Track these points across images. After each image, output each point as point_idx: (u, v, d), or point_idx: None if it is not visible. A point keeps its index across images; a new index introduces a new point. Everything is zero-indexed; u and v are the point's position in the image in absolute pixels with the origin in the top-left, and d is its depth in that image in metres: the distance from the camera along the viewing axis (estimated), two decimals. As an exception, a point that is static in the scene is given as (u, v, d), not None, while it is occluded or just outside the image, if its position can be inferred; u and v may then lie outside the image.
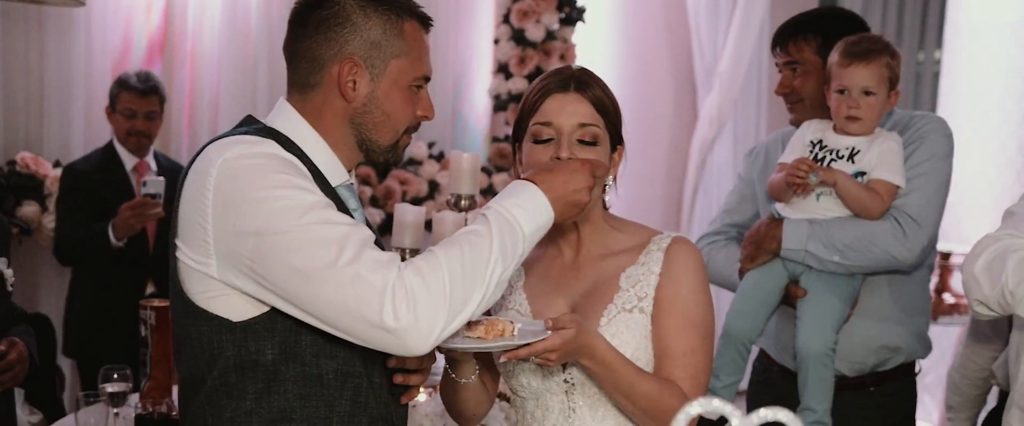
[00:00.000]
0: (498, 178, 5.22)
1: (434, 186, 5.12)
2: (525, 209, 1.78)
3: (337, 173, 1.88)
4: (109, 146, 4.18)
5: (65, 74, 4.57)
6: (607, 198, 2.03)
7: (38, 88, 4.57)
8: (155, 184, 3.90)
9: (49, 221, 4.41)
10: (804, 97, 2.88)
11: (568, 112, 1.95)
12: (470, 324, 1.79)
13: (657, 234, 2.03)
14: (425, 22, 1.91)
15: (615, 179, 2.04)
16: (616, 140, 2.00)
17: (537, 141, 1.96)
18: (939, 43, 6.53)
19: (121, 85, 4.16)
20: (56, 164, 4.51)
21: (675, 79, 6.09)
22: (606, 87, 1.99)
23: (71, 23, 4.53)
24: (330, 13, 1.83)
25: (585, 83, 1.96)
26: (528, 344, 1.78)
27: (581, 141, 1.94)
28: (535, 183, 1.81)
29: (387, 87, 1.85)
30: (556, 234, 2.04)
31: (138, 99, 4.13)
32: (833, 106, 2.77)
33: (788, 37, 2.92)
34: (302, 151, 1.83)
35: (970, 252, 2.26)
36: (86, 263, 4.08)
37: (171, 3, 4.77)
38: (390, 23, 1.84)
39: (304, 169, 1.76)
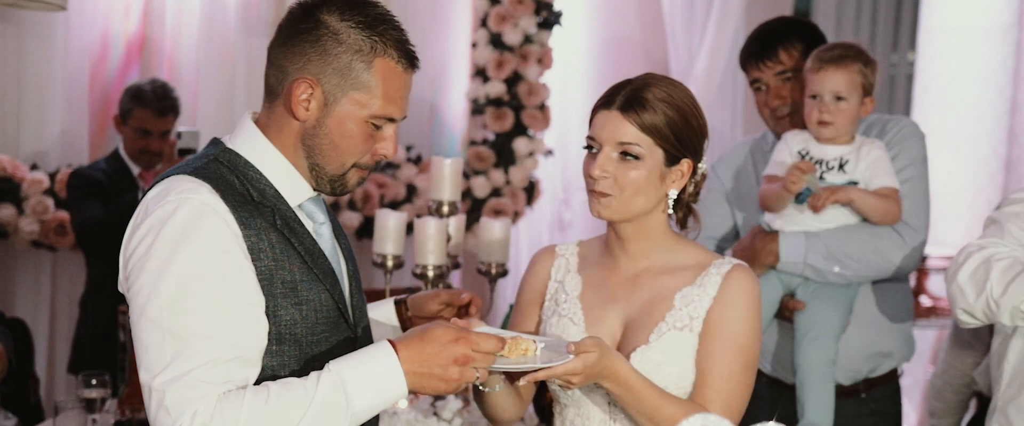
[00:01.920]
0: (476, 181, 5.22)
1: (412, 190, 5.12)
2: (368, 382, 1.70)
3: (299, 190, 1.87)
4: (115, 155, 4.09)
5: (43, 76, 4.54)
6: (668, 210, 2.04)
7: (15, 90, 4.53)
8: (190, 137, 3.68)
9: (26, 224, 4.38)
10: (798, 107, 2.85)
11: (608, 130, 1.99)
12: None
13: (719, 258, 2.06)
14: (406, 62, 1.85)
15: (685, 195, 2.06)
16: (677, 155, 2.00)
17: (586, 147, 2.03)
18: (912, 45, 6.58)
19: (135, 99, 4.00)
20: (33, 167, 4.48)
21: (652, 82, 6.09)
22: (667, 103, 1.98)
23: (49, 25, 4.50)
24: (307, 28, 1.80)
25: (633, 102, 1.97)
26: (549, 367, 1.80)
27: (623, 155, 1.97)
28: (398, 352, 1.72)
29: (339, 117, 1.82)
30: (616, 245, 2.07)
31: (154, 119, 3.97)
32: (806, 111, 2.78)
33: (776, 44, 2.90)
34: (259, 171, 1.83)
35: (954, 261, 2.28)
36: (114, 245, 3.88)
37: (150, 5, 4.74)
38: (361, 55, 1.80)
39: (228, 219, 1.73)
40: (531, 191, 5.38)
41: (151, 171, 4.04)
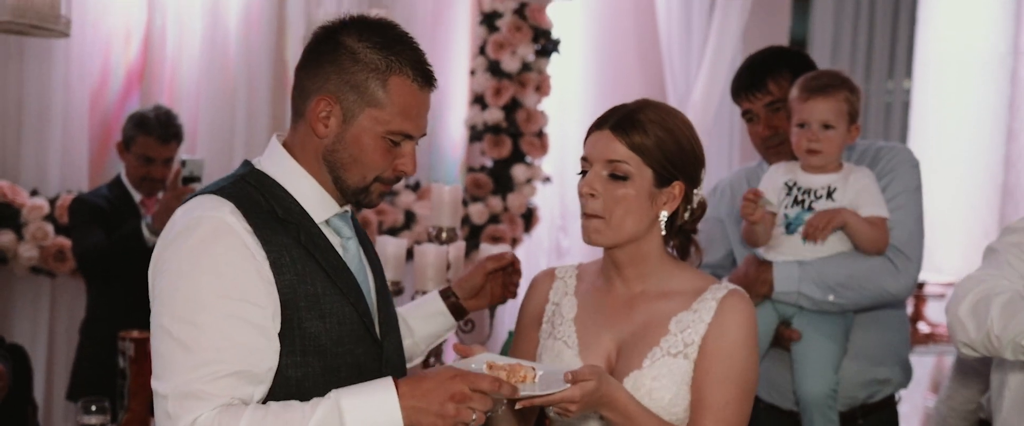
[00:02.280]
0: (474, 208, 5.24)
1: (410, 216, 5.14)
2: (365, 410, 1.74)
3: (325, 206, 1.94)
4: (117, 181, 4.07)
5: (44, 103, 4.55)
6: (662, 232, 2.04)
7: (16, 117, 4.55)
8: (194, 165, 3.69)
9: (26, 250, 4.39)
10: (788, 137, 2.87)
11: (599, 149, 2.01)
12: (491, 366, 1.83)
13: (715, 283, 2.05)
14: (422, 81, 1.92)
15: (680, 220, 2.07)
16: (668, 177, 2.01)
17: (580, 172, 2.05)
18: (908, 73, 6.62)
19: (139, 127, 3.99)
20: (33, 192, 4.49)
21: (649, 109, 6.12)
22: (658, 125, 2.00)
23: (50, 52, 4.52)
24: (327, 49, 1.90)
25: (624, 122, 2.00)
26: (546, 394, 1.80)
27: (611, 176, 1.99)
28: (398, 386, 1.76)
29: (357, 133, 1.89)
30: (612, 269, 2.09)
31: (157, 146, 3.97)
32: (793, 140, 2.79)
33: (765, 75, 2.91)
34: (285, 190, 1.91)
35: (954, 294, 2.26)
36: (115, 272, 3.84)
37: (151, 34, 4.77)
38: (376, 73, 1.88)
39: (247, 237, 1.80)
40: (529, 218, 5.40)
41: (153, 198, 4.04)
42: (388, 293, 2.09)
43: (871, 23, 7.05)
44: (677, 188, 2.02)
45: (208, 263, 1.78)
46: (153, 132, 3.97)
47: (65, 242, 4.38)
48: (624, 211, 1.99)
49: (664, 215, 2.03)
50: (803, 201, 2.79)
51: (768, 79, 2.91)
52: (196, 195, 1.91)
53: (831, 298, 2.72)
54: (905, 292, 2.77)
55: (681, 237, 2.10)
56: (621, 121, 1.99)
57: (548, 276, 2.20)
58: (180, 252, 1.80)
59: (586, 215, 2.02)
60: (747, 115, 2.97)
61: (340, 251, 1.96)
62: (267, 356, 1.80)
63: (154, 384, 1.77)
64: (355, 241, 2.01)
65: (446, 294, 2.33)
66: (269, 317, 1.80)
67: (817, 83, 2.77)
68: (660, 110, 2.03)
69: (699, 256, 2.14)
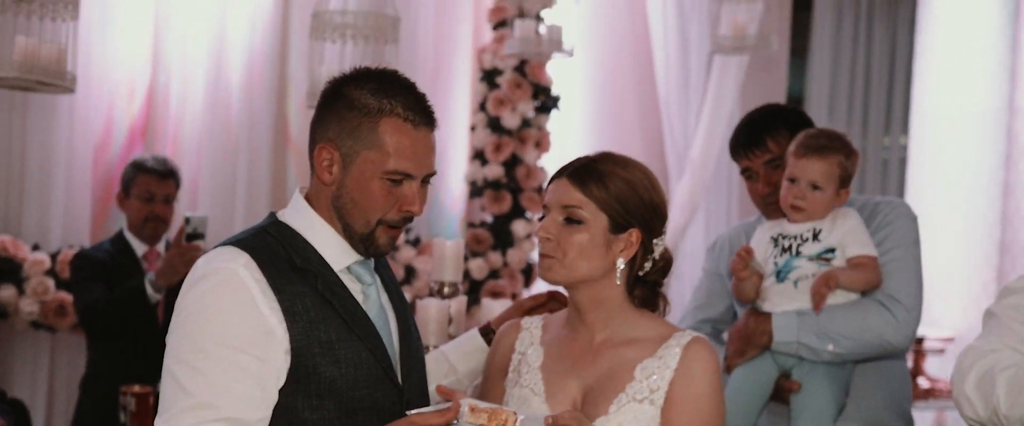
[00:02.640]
0: (474, 263, 5.25)
1: (411, 271, 5.15)
2: None
3: (345, 254, 2.01)
4: (119, 236, 4.08)
5: (46, 157, 4.58)
6: (618, 281, 2.07)
7: (19, 171, 4.58)
8: (199, 222, 3.72)
9: (26, 304, 4.39)
10: None
11: (556, 195, 2.06)
12: (474, 409, 1.85)
13: (679, 331, 2.07)
14: (416, 119, 1.98)
15: (639, 270, 2.08)
16: (624, 224, 2.04)
17: (539, 217, 2.10)
18: (905, 129, 6.67)
19: (137, 168, 4.04)
20: (35, 247, 4.51)
21: (647, 165, 6.16)
22: (614, 174, 2.05)
23: (54, 107, 4.56)
24: (330, 99, 2.00)
25: (581, 170, 2.06)
26: None
27: (566, 220, 2.04)
28: None
29: (357, 176, 1.97)
30: (575, 316, 2.12)
31: (157, 182, 4.01)
32: (781, 193, 2.82)
33: (764, 133, 2.93)
34: (305, 240, 1.98)
35: (959, 367, 2.23)
36: (117, 328, 3.83)
37: (154, 90, 4.82)
38: (369, 116, 1.95)
39: (258, 288, 1.88)
40: (529, 273, 5.41)
41: (154, 251, 4.05)
42: (412, 336, 2.14)
43: (867, 80, 7.12)
44: (634, 235, 2.05)
45: (214, 312, 1.86)
46: (151, 171, 4.01)
47: (66, 297, 4.39)
48: (577, 253, 2.03)
49: (621, 262, 2.06)
50: (790, 248, 2.81)
51: (766, 137, 2.93)
52: (218, 246, 1.99)
53: (830, 348, 2.73)
54: (904, 342, 2.77)
55: (645, 289, 2.12)
56: (578, 170, 2.06)
57: (514, 327, 2.23)
58: (192, 298, 1.89)
59: (542, 255, 2.07)
60: (746, 173, 2.99)
61: (360, 298, 2.02)
62: (260, 406, 1.87)
63: (156, 421, 1.86)
64: (376, 287, 2.06)
65: (485, 331, 2.39)
66: (267, 369, 1.87)
67: (815, 142, 2.79)
68: (618, 161, 2.09)
69: (667, 308, 2.16)
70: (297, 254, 1.96)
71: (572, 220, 2.03)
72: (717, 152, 5.99)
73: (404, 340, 2.09)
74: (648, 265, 2.09)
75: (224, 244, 1.98)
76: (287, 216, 2.03)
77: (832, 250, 2.76)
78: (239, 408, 1.84)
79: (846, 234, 2.75)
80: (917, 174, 6.11)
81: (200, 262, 1.96)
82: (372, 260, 2.08)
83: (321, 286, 1.95)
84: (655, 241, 2.08)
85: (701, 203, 6.07)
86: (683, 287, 6.04)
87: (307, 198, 2.03)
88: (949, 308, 5.67)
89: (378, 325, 2.02)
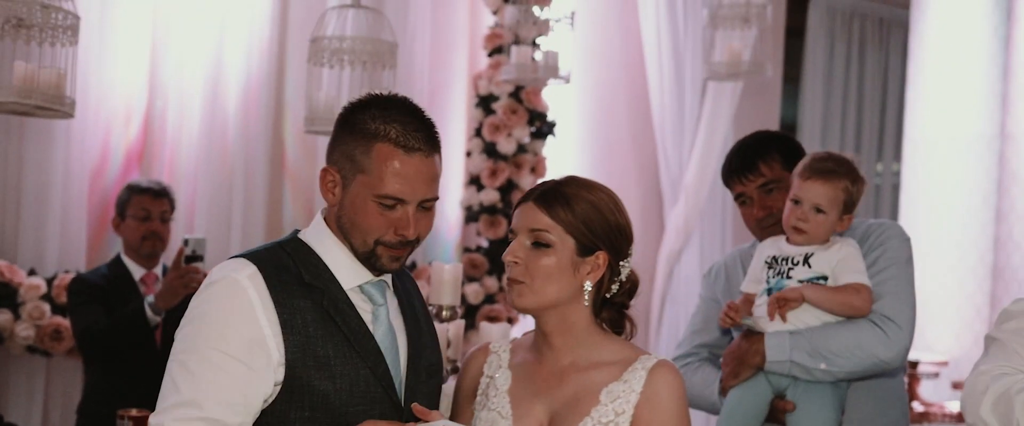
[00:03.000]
0: (470, 288, 5.26)
1: (406, 295, 5.15)
2: None
3: (357, 273, 2.06)
4: (116, 260, 4.08)
5: (43, 182, 4.58)
6: (586, 303, 2.08)
7: (15, 196, 4.57)
8: (197, 244, 3.74)
9: (22, 329, 4.38)
10: (781, 217, 2.89)
11: (523, 220, 2.08)
12: None
13: (644, 354, 2.08)
14: (409, 146, 2.02)
15: (604, 286, 2.10)
16: (591, 246, 2.06)
17: (506, 241, 2.13)
18: (897, 156, 6.71)
19: (131, 190, 4.08)
20: (30, 272, 4.50)
21: (642, 191, 6.20)
22: (580, 198, 2.07)
23: (51, 132, 4.57)
24: (339, 122, 2.08)
25: (547, 193, 2.08)
26: None
27: (534, 244, 2.06)
28: None
29: (351, 198, 2.03)
30: (541, 340, 2.13)
31: (152, 200, 4.04)
32: (784, 213, 2.83)
33: (756, 158, 2.95)
34: (318, 257, 2.05)
35: (971, 391, 2.21)
36: (116, 352, 3.82)
37: (151, 115, 4.83)
38: (363, 141, 2.01)
39: (258, 298, 1.95)
40: (524, 298, 5.41)
41: (152, 274, 4.05)
42: (424, 359, 2.15)
43: (859, 106, 7.18)
44: (601, 258, 2.07)
45: (212, 316, 1.96)
46: (146, 191, 4.04)
47: (62, 322, 4.38)
48: (545, 278, 2.04)
49: (588, 285, 2.07)
50: (782, 271, 2.82)
51: (759, 161, 2.95)
52: (233, 257, 2.06)
53: (823, 366, 2.74)
54: (897, 359, 2.78)
55: (612, 311, 2.13)
56: (544, 194, 2.08)
57: (482, 351, 2.23)
58: (197, 302, 2.00)
59: (510, 280, 2.08)
60: (740, 198, 3.01)
61: (368, 317, 2.06)
62: (239, 413, 1.93)
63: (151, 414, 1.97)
64: (387, 308, 2.09)
65: None
66: (254, 378, 1.94)
67: (822, 166, 2.80)
68: (584, 184, 2.11)
69: (634, 330, 2.16)
70: (307, 270, 2.03)
71: (539, 244, 2.05)
72: (711, 178, 6.02)
73: (413, 362, 2.10)
74: (615, 287, 2.11)
75: (238, 255, 2.06)
76: (306, 234, 2.11)
77: (824, 278, 2.77)
78: (221, 410, 1.91)
79: (840, 262, 2.76)
80: (910, 200, 6.15)
81: (214, 270, 2.04)
82: (388, 282, 2.12)
83: (326, 302, 2.01)
84: (622, 263, 2.10)
85: (695, 229, 6.10)
86: (677, 312, 6.05)
87: (325, 218, 2.10)
88: (943, 333, 5.69)
89: (384, 345, 2.04)
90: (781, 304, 2.74)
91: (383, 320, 2.07)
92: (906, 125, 6.26)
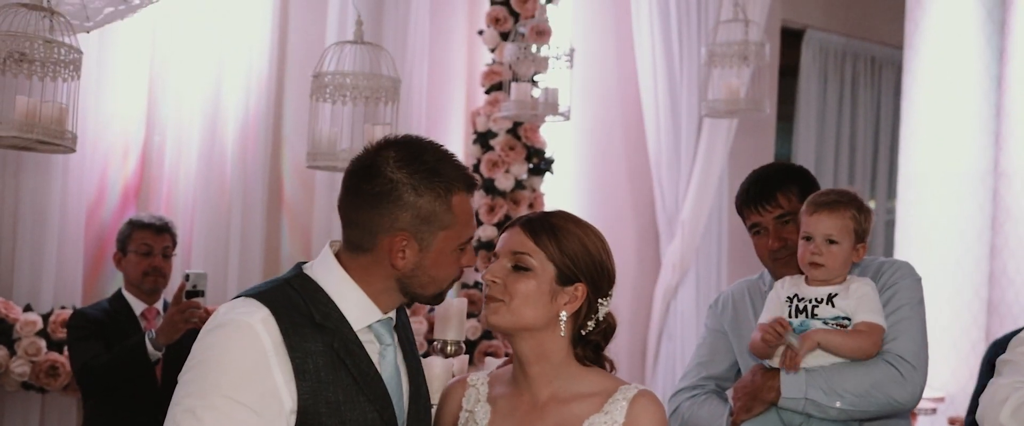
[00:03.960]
0: (468, 324, 5.23)
1: (404, 331, 5.13)
2: None
3: (368, 313, 2.01)
4: (117, 295, 4.06)
5: (40, 217, 4.55)
6: (562, 333, 2.07)
7: (11, 231, 4.54)
8: (198, 278, 3.71)
9: (17, 365, 4.34)
10: (795, 250, 2.88)
11: (507, 243, 2.09)
12: None
13: (624, 385, 2.07)
14: (472, 187, 2.03)
15: (581, 319, 2.09)
16: (571, 277, 2.06)
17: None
18: (891, 193, 6.74)
19: (133, 225, 4.05)
20: (26, 308, 4.47)
21: (638, 227, 6.21)
22: (566, 230, 2.08)
23: (48, 167, 4.55)
24: (383, 190, 1.97)
25: (534, 220, 2.10)
26: None
27: (515, 267, 2.05)
28: None
29: (434, 256, 2.00)
30: (519, 370, 2.11)
31: (153, 236, 4.01)
32: (799, 253, 2.82)
33: (775, 189, 2.94)
34: (328, 296, 1.98)
35: (990, 402, 2.23)
36: (115, 387, 3.78)
37: (148, 150, 4.82)
38: (440, 199, 1.97)
39: (271, 343, 1.90)
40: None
41: (153, 309, 4.03)
42: (422, 396, 2.13)
43: (852, 144, 7.21)
44: (580, 290, 2.07)
45: (223, 362, 1.89)
46: (147, 226, 4.02)
47: (58, 357, 4.35)
48: (523, 300, 2.04)
49: (564, 315, 2.07)
50: (805, 309, 2.81)
51: (777, 192, 2.94)
52: (240, 296, 1.99)
53: (838, 405, 2.72)
54: (912, 401, 2.77)
55: (588, 348, 2.12)
56: (531, 220, 2.10)
57: (460, 384, 2.22)
58: (206, 344, 1.92)
59: (487, 298, 2.08)
60: (755, 228, 2.99)
61: (376, 358, 2.01)
62: None
63: None
64: (394, 348, 2.06)
65: None
66: (258, 423, 1.87)
67: (826, 199, 2.81)
68: (573, 219, 2.12)
69: (613, 371, 2.16)
70: (318, 310, 1.96)
71: (520, 267, 2.05)
72: (706, 214, 6.04)
73: (413, 401, 2.09)
74: (591, 324, 2.10)
75: (247, 295, 1.99)
76: (313, 270, 2.03)
77: (847, 318, 2.76)
78: None
79: (859, 300, 2.76)
80: (905, 236, 6.16)
81: (221, 309, 1.98)
82: (393, 319, 2.07)
83: (337, 344, 1.95)
84: (600, 301, 2.10)
85: (692, 265, 6.10)
86: (674, 348, 6.05)
87: (338, 257, 2.03)
88: (939, 368, 5.69)
89: (391, 387, 2.01)
90: (782, 331, 2.72)
91: (390, 361, 2.04)
92: (900, 162, 6.29)
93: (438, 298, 2.07)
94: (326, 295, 1.98)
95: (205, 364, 1.90)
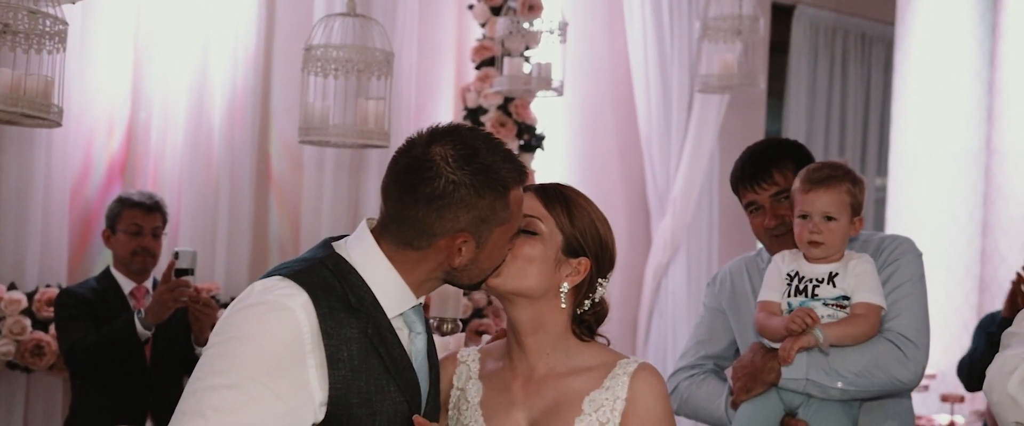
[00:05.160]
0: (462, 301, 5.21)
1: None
2: None
3: (403, 299, 1.93)
4: (105, 273, 4.00)
5: (23, 194, 4.48)
6: (562, 305, 2.04)
7: (-6, 208, 4.49)
8: (187, 257, 3.66)
9: (2, 345, 4.28)
10: (792, 228, 2.84)
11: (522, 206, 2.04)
12: None
13: (623, 358, 2.04)
14: (524, 180, 1.97)
15: (580, 294, 2.06)
16: (577, 249, 2.03)
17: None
18: (880, 170, 6.73)
19: (122, 203, 3.99)
20: (11, 286, 4.40)
21: (629, 204, 6.19)
22: (577, 203, 2.06)
23: (32, 143, 4.47)
24: (443, 192, 1.86)
25: (549, 189, 2.06)
26: None
27: (522, 230, 2.00)
28: None
29: (490, 250, 1.93)
30: (514, 343, 2.06)
31: (143, 215, 3.95)
32: (796, 231, 2.78)
33: (770, 165, 2.90)
34: (362, 279, 1.89)
35: (998, 372, 2.24)
36: (104, 366, 3.73)
37: (134, 126, 4.75)
38: (499, 198, 1.90)
39: (308, 329, 1.81)
40: (513, 312, 5.38)
41: (142, 288, 3.97)
42: (437, 379, 2.07)
43: (842, 121, 7.19)
44: (583, 264, 2.03)
45: (258, 342, 1.79)
46: (137, 205, 3.96)
47: (43, 337, 4.29)
48: (527, 261, 2.00)
49: (565, 287, 2.02)
50: (805, 289, 2.78)
51: (773, 169, 2.91)
52: (273, 274, 1.90)
53: (840, 385, 2.70)
54: (914, 380, 2.75)
55: (583, 327, 2.08)
56: (544, 187, 2.06)
57: (450, 361, 2.16)
58: (241, 320, 1.83)
59: None
60: (751, 206, 2.96)
61: (407, 344, 1.94)
62: None
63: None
64: (424, 336, 1.99)
65: None
66: (289, 419, 1.80)
67: (819, 175, 2.78)
68: (584, 196, 2.09)
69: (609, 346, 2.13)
70: (353, 292, 1.88)
71: (528, 230, 2.01)
72: (697, 191, 6.02)
73: (433, 384, 2.03)
74: (588, 303, 2.06)
75: (282, 274, 1.89)
76: (347, 249, 1.94)
77: (847, 298, 2.73)
78: None
79: (857, 278, 2.73)
80: (896, 214, 6.16)
81: (257, 286, 1.87)
82: (421, 305, 2.00)
83: (371, 330, 1.87)
84: (600, 280, 2.06)
85: (682, 242, 6.08)
86: (665, 325, 6.03)
87: (375, 235, 1.94)
88: (931, 346, 5.68)
89: (420, 375, 1.95)
90: (811, 323, 2.69)
91: (420, 348, 1.97)
92: (892, 139, 6.28)
93: (481, 285, 2.01)
94: (360, 278, 1.89)
95: (238, 341, 1.80)
